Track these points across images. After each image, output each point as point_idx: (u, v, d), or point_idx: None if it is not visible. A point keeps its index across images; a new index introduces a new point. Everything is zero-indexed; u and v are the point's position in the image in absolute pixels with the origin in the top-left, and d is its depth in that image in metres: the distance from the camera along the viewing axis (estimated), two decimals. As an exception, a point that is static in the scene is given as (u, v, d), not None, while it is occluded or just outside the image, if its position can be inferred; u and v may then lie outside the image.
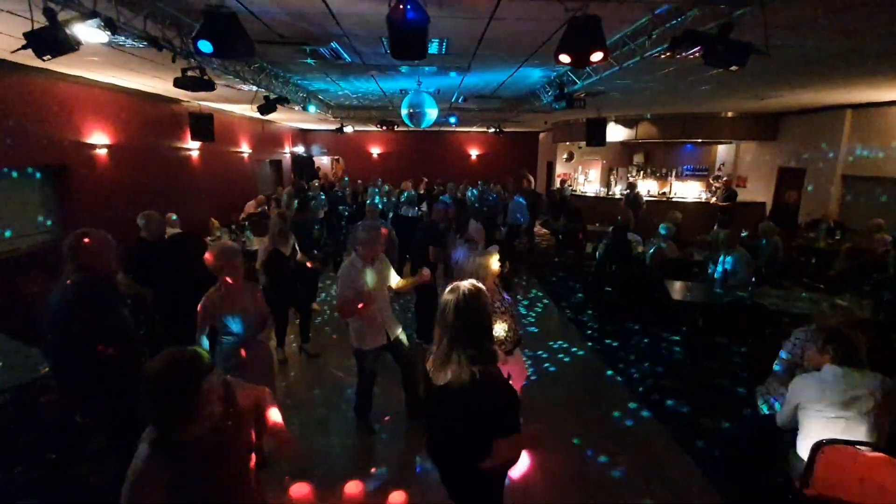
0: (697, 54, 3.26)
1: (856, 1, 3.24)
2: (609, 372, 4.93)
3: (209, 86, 5.03)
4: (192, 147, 9.59)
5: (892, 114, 7.72)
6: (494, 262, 2.96)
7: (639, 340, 5.71)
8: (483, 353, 1.85)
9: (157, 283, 4.30)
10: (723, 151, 12.39)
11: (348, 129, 14.05)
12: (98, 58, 5.24)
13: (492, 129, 14.35)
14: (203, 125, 8.47)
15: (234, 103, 9.88)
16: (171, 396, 1.44)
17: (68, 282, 2.53)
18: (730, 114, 10.62)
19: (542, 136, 18.16)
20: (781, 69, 5.52)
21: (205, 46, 3.09)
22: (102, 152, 7.06)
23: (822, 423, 2.32)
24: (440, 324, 1.90)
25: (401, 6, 2.89)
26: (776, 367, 3.19)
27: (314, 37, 4.79)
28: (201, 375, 1.48)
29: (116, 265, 2.77)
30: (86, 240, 2.61)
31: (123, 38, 3.77)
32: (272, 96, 6.97)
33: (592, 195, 13.54)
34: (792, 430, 2.58)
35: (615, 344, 5.62)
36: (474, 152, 18.70)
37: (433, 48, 5.03)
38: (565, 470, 3.41)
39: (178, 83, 4.96)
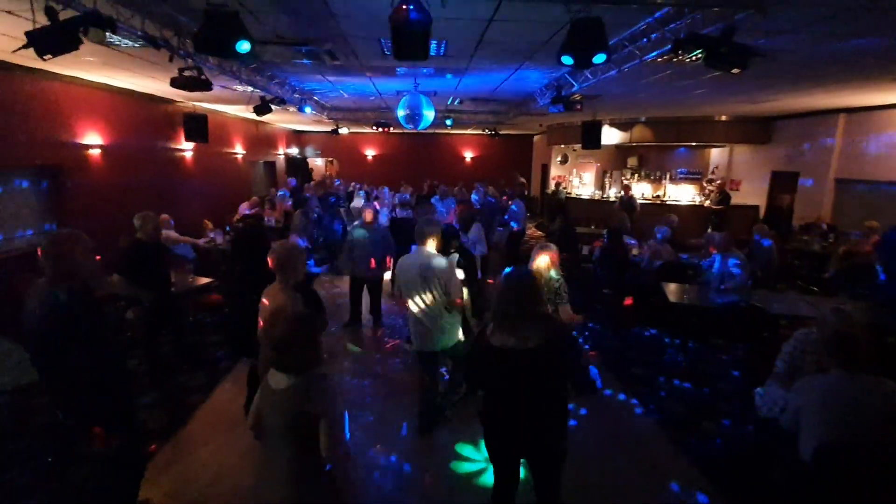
0: (699, 57, 3.27)
1: (853, 4, 3.28)
2: (607, 374, 4.92)
3: (206, 86, 4.99)
4: (186, 148, 9.51)
5: (884, 117, 7.83)
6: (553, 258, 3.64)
7: (636, 342, 5.72)
8: (548, 317, 2.40)
9: (151, 284, 4.26)
10: (716, 155, 12.49)
11: (343, 131, 14.00)
12: (94, 58, 5.18)
13: (487, 132, 14.37)
14: (197, 126, 8.39)
15: (228, 104, 9.82)
16: (307, 343, 1.87)
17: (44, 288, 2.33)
18: (724, 117, 10.72)
19: (536, 138, 18.21)
20: (778, 72, 5.58)
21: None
22: (96, 153, 6.98)
23: (825, 426, 2.33)
24: (510, 301, 2.24)
25: (403, 6, 2.88)
26: (776, 370, 3.20)
27: (312, 37, 4.77)
28: (318, 327, 1.98)
29: (94, 267, 2.51)
30: (60, 246, 2.35)
31: (120, 37, 3.74)
32: (268, 97, 6.93)
33: (587, 198, 13.60)
34: (794, 433, 2.58)
35: (613, 346, 5.62)
36: (469, 154, 18.72)
37: (431, 50, 5.02)
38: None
39: (174, 83, 4.92)
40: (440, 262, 3.49)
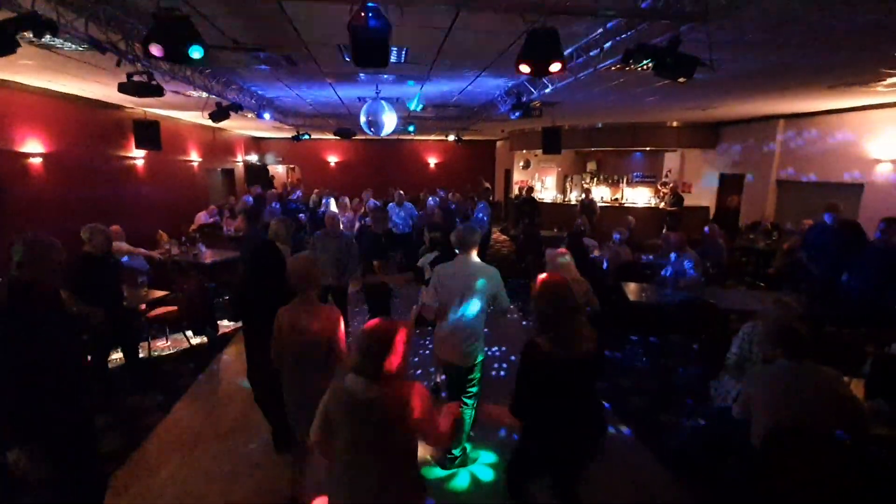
0: (648, 66, 3.42)
1: (788, 18, 3.53)
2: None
3: (158, 91, 4.82)
4: (137, 156, 9.12)
5: (819, 122, 8.40)
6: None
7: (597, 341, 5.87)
8: (589, 322, 2.53)
9: (102, 299, 4.04)
10: (669, 159, 13.03)
11: (304, 137, 13.75)
12: (33, 61, 4.90)
13: (451, 138, 14.47)
14: (149, 133, 8.07)
15: (182, 110, 9.49)
16: (382, 350, 1.87)
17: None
18: (675, 123, 11.21)
19: (499, 144, 18.47)
20: (721, 81, 5.89)
21: (156, 50, 2.96)
22: (37, 162, 6.60)
23: (773, 413, 2.47)
24: (559, 308, 2.33)
25: (363, 13, 2.88)
26: (728, 362, 3.37)
27: (269, 43, 4.69)
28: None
29: (57, 279, 2.50)
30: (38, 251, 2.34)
31: (62, 40, 3.56)
32: (225, 103, 6.75)
33: (550, 202, 13.91)
34: (746, 421, 2.71)
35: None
36: (433, 161, 18.78)
37: (392, 57, 5.03)
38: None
39: (123, 89, 4.72)
40: (488, 271, 3.34)
